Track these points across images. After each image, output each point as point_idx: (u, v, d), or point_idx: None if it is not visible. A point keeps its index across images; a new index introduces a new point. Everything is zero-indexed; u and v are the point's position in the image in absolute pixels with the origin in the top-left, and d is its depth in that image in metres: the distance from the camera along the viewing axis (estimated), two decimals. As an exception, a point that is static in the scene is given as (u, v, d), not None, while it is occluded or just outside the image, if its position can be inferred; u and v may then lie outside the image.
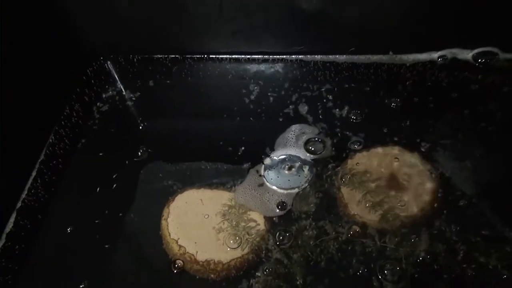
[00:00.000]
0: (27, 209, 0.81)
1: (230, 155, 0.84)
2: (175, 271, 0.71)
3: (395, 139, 0.81)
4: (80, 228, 0.79)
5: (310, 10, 0.87)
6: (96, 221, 0.78)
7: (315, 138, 0.83)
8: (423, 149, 0.79)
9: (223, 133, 0.89)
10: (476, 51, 0.90)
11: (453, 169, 0.76)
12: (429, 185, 0.74)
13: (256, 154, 0.83)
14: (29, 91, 0.85)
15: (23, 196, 0.82)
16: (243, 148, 0.85)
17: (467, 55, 0.90)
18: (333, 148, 0.82)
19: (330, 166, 0.79)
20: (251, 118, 0.90)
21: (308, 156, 0.80)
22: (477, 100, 0.86)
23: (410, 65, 0.92)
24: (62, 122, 0.92)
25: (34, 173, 0.85)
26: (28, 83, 0.85)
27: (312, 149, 0.81)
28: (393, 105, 0.87)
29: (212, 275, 0.71)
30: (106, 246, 0.76)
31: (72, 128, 0.92)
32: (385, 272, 0.67)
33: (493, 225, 0.69)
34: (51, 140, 0.89)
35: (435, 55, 0.91)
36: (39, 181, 0.84)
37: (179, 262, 0.71)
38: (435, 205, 0.72)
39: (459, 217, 0.71)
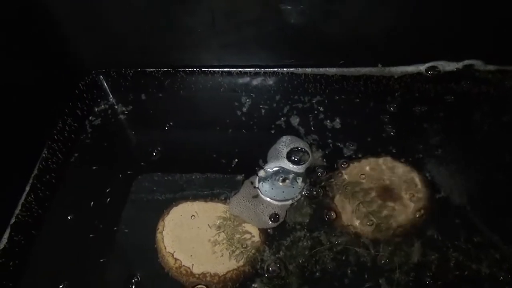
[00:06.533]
0: (21, 225, 0.80)
1: (223, 167, 0.85)
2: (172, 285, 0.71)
3: (386, 149, 0.83)
4: (74, 242, 0.78)
5: (300, 24, 0.89)
6: (91, 236, 0.78)
7: (306, 149, 0.84)
8: (413, 159, 0.81)
9: (216, 145, 0.89)
10: (461, 63, 0.92)
11: (443, 178, 0.78)
12: (420, 194, 0.76)
13: (249, 166, 0.84)
14: (22, 106, 0.85)
15: (17, 211, 0.81)
16: (236, 160, 0.85)
17: (453, 67, 0.92)
18: (325, 160, 0.83)
19: (323, 177, 0.80)
20: (243, 130, 0.91)
21: (300, 168, 0.81)
22: (464, 111, 0.88)
23: (399, 77, 0.94)
24: (55, 137, 0.92)
25: (27, 188, 0.84)
26: (21, 98, 0.85)
27: (304, 160, 0.82)
28: (383, 116, 0.89)
29: (208, 288, 0.71)
30: (101, 260, 0.75)
31: (64, 142, 0.92)
32: (380, 281, 0.68)
33: (482, 232, 0.71)
34: (44, 155, 0.89)
35: (422, 67, 0.94)
36: (32, 196, 0.83)
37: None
38: (427, 213, 0.74)
39: (450, 225, 0.72)
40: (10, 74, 0.83)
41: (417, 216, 0.74)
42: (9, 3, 0.81)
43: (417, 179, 0.78)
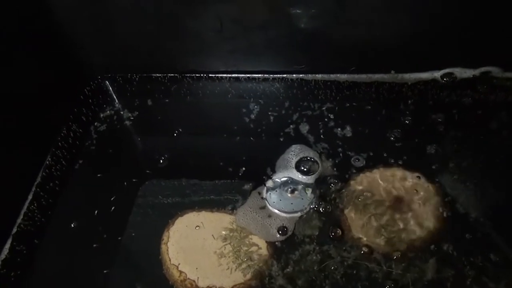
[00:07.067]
0: (23, 234, 0.79)
1: (230, 176, 0.83)
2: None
3: (398, 159, 0.80)
4: (78, 252, 0.77)
5: (310, 29, 0.86)
6: (94, 245, 0.77)
7: (316, 159, 0.81)
8: (427, 170, 0.78)
9: (223, 153, 0.88)
10: (478, 70, 0.89)
11: (459, 190, 0.75)
12: (434, 207, 0.73)
13: (257, 175, 0.82)
14: (26, 111, 0.83)
15: (19, 220, 0.80)
16: (243, 168, 0.83)
17: (470, 74, 0.89)
18: (335, 169, 0.81)
19: (333, 188, 0.78)
20: (251, 138, 0.89)
21: (310, 178, 0.79)
22: (480, 119, 0.85)
23: (412, 84, 0.91)
24: (59, 143, 0.90)
25: (30, 197, 0.83)
26: (25, 103, 0.83)
27: (313, 170, 0.80)
28: (395, 124, 0.86)
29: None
30: (105, 271, 0.74)
31: (69, 149, 0.90)
32: (392, 298, 0.65)
33: (500, 248, 0.68)
34: (47, 162, 0.87)
35: (437, 74, 0.91)
36: (35, 204, 0.82)
37: None
38: (441, 227, 0.71)
39: (466, 240, 0.70)
40: (15, 79, 0.82)
41: (431, 230, 0.71)
42: (15, 7, 0.80)
43: (431, 190, 0.75)
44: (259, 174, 0.82)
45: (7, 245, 0.77)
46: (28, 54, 0.86)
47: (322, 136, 0.86)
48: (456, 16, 0.82)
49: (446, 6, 0.81)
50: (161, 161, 0.87)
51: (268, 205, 0.76)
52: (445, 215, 0.72)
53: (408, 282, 0.66)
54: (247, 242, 0.73)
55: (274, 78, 0.97)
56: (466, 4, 0.80)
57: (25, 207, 0.81)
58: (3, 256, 0.76)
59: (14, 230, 0.79)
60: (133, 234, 0.78)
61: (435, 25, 0.84)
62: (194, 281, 0.70)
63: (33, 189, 0.84)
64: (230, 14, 0.86)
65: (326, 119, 0.89)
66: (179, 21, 0.89)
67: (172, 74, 1.01)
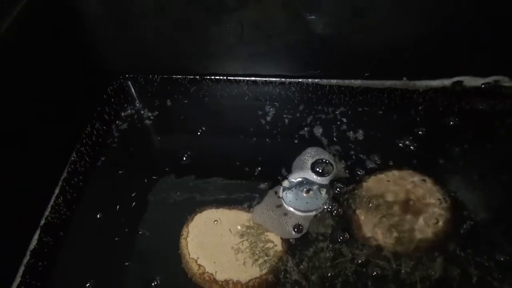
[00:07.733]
0: (50, 226, 0.82)
1: (247, 175, 0.86)
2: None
3: (409, 162, 0.83)
4: (100, 245, 0.80)
5: (326, 36, 0.90)
6: (116, 239, 0.80)
7: (330, 161, 0.85)
8: (436, 173, 0.81)
9: (239, 153, 0.91)
10: (487, 79, 0.92)
11: (467, 193, 0.78)
12: (443, 209, 0.76)
13: (272, 175, 0.85)
14: (53, 110, 0.87)
15: (47, 213, 0.83)
16: (259, 168, 0.87)
17: (479, 82, 0.92)
18: (348, 171, 0.84)
19: (346, 189, 0.81)
20: (267, 139, 0.92)
21: (324, 179, 0.82)
22: (488, 126, 0.88)
23: (423, 91, 0.94)
24: (84, 140, 0.94)
25: (57, 191, 0.86)
26: (51, 102, 0.87)
27: (328, 172, 0.83)
28: (406, 129, 0.89)
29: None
30: (126, 263, 0.77)
31: (92, 146, 0.94)
32: (401, 295, 0.68)
33: (506, 250, 0.71)
34: (73, 158, 0.91)
35: (447, 82, 0.94)
36: (61, 198, 0.86)
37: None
38: (449, 228, 0.74)
39: (472, 241, 0.73)
40: (43, 80, 0.85)
41: (439, 230, 0.74)
42: (40, 8, 0.83)
43: (440, 193, 0.78)
44: (274, 174, 0.85)
45: (36, 236, 0.80)
46: (55, 57, 0.89)
47: (335, 139, 0.89)
48: (467, 26, 0.85)
49: (457, 16, 0.84)
50: (179, 159, 0.90)
51: (284, 203, 0.80)
52: (452, 216, 0.75)
53: (416, 280, 0.69)
54: (263, 238, 0.77)
55: (290, 82, 1.01)
56: (477, 14, 0.83)
57: (52, 200, 0.85)
58: (31, 247, 0.79)
59: (42, 222, 0.82)
60: (153, 229, 0.81)
61: (447, 35, 0.87)
62: (212, 274, 0.73)
63: (60, 183, 0.87)
64: (250, 20, 0.89)
65: (339, 123, 0.92)
66: (201, 25, 0.92)
67: (192, 76, 1.04)
